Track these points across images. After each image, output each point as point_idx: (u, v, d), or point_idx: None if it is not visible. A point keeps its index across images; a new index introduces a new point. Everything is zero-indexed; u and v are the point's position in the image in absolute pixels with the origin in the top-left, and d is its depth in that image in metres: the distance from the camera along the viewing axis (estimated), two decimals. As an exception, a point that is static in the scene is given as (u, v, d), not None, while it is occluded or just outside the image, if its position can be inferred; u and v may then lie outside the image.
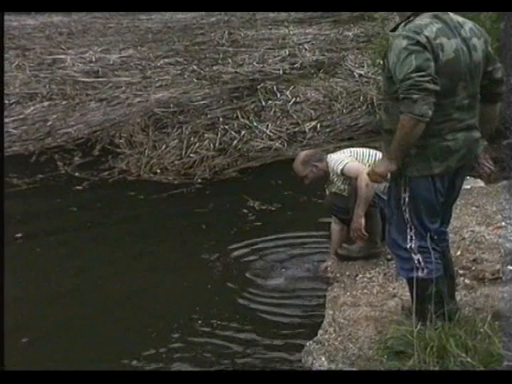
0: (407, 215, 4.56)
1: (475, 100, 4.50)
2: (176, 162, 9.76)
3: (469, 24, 4.47)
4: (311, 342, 4.97)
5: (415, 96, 4.16)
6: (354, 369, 4.45)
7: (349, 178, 6.15)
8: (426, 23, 4.32)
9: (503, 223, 6.51)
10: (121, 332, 5.88)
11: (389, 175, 4.56)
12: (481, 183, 7.55)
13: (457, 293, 5.16)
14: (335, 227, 6.51)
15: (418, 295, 4.62)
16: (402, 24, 4.44)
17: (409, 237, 4.58)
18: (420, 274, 4.58)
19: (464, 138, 4.44)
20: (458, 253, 5.86)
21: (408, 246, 4.59)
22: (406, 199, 4.53)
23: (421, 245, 4.57)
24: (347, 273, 6.03)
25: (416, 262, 4.59)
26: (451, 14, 4.48)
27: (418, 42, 4.23)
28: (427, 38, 4.25)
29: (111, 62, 13.77)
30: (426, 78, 4.16)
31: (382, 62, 4.60)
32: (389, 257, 6.14)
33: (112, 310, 6.22)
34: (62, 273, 6.87)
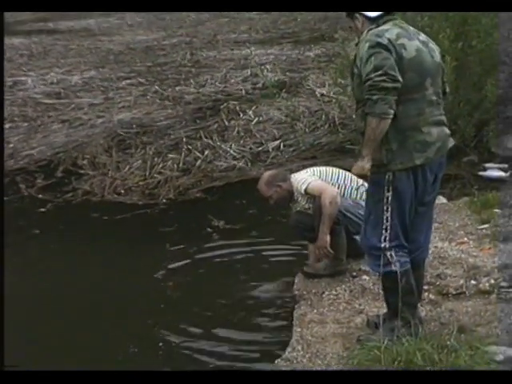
0: (387, 214, 4.68)
1: (441, 98, 4.76)
2: (140, 183, 9.73)
3: (423, 34, 4.81)
4: (279, 359, 4.98)
5: (375, 96, 4.38)
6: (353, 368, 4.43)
7: (313, 197, 6.19)
8: (387, 28, 4.57)
9: (465, 239, 6.59)
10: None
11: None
12: (443, 200, 7.62)
13: (422, 308, 5.22)
14: (311, 246, 6.52)
15: (390, 288, 4.81)
16: (366, 31, 4.61)
17: (383, 237, 4.71)
18: (393, 267, 4.72)
19: (437, 131, 4.66)
20: (423, 268, 5.91)
21: (382, 246, 4.73)
22: (390, 198, 4.65)
23: (395, 244, 4.73)
24: (314, 290, 6.04)
25: (388, 257, 4.73)
26: (405, 24, 4.76)
27: (377, 44, 4.45)
28: (389, 39, 4.48)
29: (73, 84, 13.74)
30: (383, 77, 4.36)
31: (350, 71, 4.73)
32: (354, 274, 6.20)
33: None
34: (26, 295, 6.82)
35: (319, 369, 4.62)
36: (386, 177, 4.64)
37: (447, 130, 4.78)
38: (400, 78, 4.40)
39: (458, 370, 3.90)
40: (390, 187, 4.66)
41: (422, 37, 4.72)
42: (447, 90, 4.95)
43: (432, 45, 4.74)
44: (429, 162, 4.62)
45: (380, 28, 4.58)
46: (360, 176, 4.83)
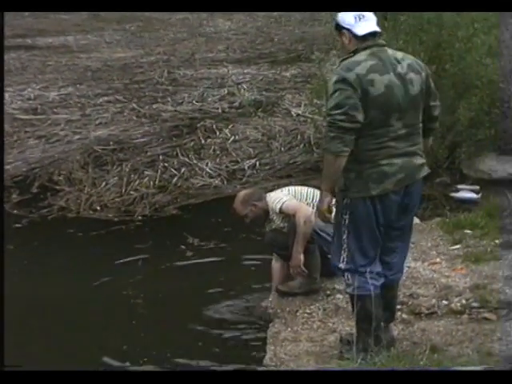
0: (345, 236, 4.79)
1: (416, 129, 4.72)
2: (116, 200, 9.69)
3: (408, 60, 4.69)
4: (253, 377, 4.99)
5: (332, 134, 4.47)
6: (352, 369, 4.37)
7: (288, 216, 6.21)
8: (361, 60, 4.55)
9: (438, 259, 6.63)
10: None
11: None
12: (416, 220, 7.66)
13: (394, 327, 5.24)
14: (276, 264, 6.54)
15: (352, 310, 4.98)
16: (340, 60, 4.64)
17: (341, 258, 4.82)
18: (349, 290, 4.88)
19: (401, 163, 4.63)
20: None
21: (340, 266, 4.87)
22: (347, 221, 4.74)
23: (351, 267, 4.81)
24: (288, 308, 6.06)
25: (346, 278, 4.88)
26: (390, 50, 4.69)
27: (343, 80, 4.47)
28: (357, 75, 4.47)
29: (50, 100, 13.66)
30: (343, 117, 4.40)
31: (326, 93, 4.82)
32: (328, 292, 6.22)
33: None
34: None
35: (318, 369, 4.59)
36: (344, 201, 4.74)
37: (418, 160, 4.75)
38: (360, 119, 4.44)
39: (457, 370, 3.83)
40: (348, 211, 4.76)
41: (403, 66, 4.62)
42: (435, 113, 4.89)
43: (413, 74, 4.63)
44: (387, 192, 4.63)
45: (353, 59, 4.58)
46: (323, 219, 4.93)
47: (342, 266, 4.82)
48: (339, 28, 4.74)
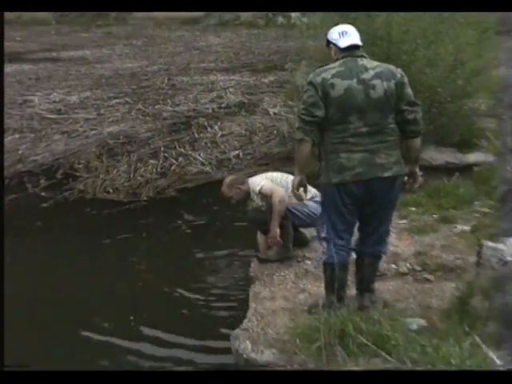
0: (323, 213, 4.77)
1: (381, 129, 4.50)
2: (125, 184, 9.63)
3: (379, 69, 4.52)
4: (238, 329, 4.96)
5: (296, 124, 4.55)
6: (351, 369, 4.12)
7: (265, 197, 6.18)
8: (330, 67, 4.53)
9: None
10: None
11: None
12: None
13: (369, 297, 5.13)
14: (259, 237, 6.52)
15: (323, 275, 4.89)
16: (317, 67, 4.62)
17: (322, 229, 4.79)
18: (324, 258, 4.78)
19: (360, 158, 4.47)
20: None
21: (320, 236, 4.82)
22: (323, 201, 4.78)
23: (326, 237, 4.74)
24: (266, 272, 6.01)
25: (322, 248, 4.81)
26: (363, 60, 4.57)
27: (310, 82, 4.51)
28: (323, 79, 4.46)
29: (71, 102, 13.56)
30: (304, 112, 4.46)
31: None
32: (299, 259, 6.18)
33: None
34: (24, 275, 6.75)
35: (318, 369, 4.27)
36: (319, 185, 4.79)
37: (381, 159, 4.49)
38: (319, 114, 4.43)
39: (457, 370, 3.59)
40: (322, 193, 4.82)
41: (369, 73, 4.48)
42: (408, 117, 4.51)
43: (379, 81, 4.45)
44: (345, 182, 4.52)
45: (325, 67, 4.55)
46: (296, 197, 4.89)
47: (322, 235, 4.78)
48: (328, 43, 4.73)
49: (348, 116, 4.47)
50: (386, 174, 4.50)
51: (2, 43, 8.22)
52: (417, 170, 4.71)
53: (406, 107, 4.49)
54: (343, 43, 4.60)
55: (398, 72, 4.54)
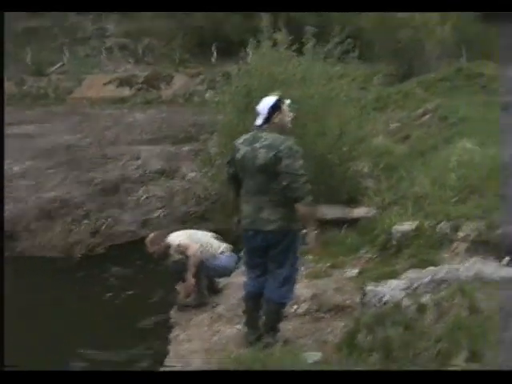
0: None
1: (265, 190, 4.55)
2: (61, 243, 9.41)
3: (269, 141, 4.54)
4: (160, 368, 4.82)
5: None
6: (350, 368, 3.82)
7: (183, 251, 6.12)
8: (246, 135, 4.75)
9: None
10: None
11: None
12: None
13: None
14: (179, 286, 6.41)
15: None
16: None
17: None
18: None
19: (249, 212, 4.64)
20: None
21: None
22: None
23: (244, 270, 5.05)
24: (184, 317, 5.91)
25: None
26: (263, 133, 4.60)
27: (233, 145, 4.84)
28: (236, 144, 4.74)
29: (14, 172, 13.19)
30: (225, 167, 4.95)
31: None
32: (214, 305, 6.10)
33: None
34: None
35: (318, 369, 4.02)
36: None
37: (265, 215, 4.54)
38: (229, 171, 4.83)
39: (457, 370, 3.39)
40: None
41: (260, 143, 4.53)
42: (284, 184, 4.45)
43: (263, 150, 4.49)
44: (245, 228, 4.69)
45: (244, 135, 4.76)
46: None
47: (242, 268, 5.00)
48: None
49: (245, 176, 4.68)
50: (269, 228, 4.57)
51: (2, 44, 7.87)
52: (312, 227, 4.66)
53: (284, 176, 4.48)
54: (256, 122, 4.69)
55: (284, 145, 4.50)
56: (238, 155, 4.64)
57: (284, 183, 4.47)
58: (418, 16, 20.40)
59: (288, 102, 4.77)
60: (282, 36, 9.13)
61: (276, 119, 4.63)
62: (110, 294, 7.48)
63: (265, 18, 9.19)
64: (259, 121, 4.66)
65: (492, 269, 4.37)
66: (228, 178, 4.92)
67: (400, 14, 20.65)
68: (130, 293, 7.43)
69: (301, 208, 4.52)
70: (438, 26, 20.26)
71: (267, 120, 4.63)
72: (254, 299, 4.86)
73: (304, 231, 4.73)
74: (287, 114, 4.72)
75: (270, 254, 4.66)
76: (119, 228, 9.91)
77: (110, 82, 24.61)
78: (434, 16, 20.35)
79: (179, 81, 27.02)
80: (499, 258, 5.06)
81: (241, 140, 4.72)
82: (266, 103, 4.66)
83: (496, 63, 17.25)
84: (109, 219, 10.19)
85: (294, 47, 9.14)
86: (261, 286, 4.80)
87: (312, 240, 4.67)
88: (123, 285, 7.75)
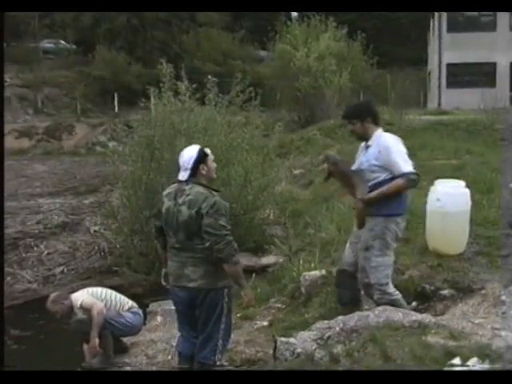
0: None
1: (189, 247, 4.40)
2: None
3: (190, 197, 4.38)
4: None
5: None
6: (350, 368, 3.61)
7: (86, 310, 5.83)
8: (170, 188, 4.57)
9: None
10: None
11: None
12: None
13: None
14: (84, 347, 6.07)
15: None
16: None
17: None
18: None
19: (174, 268, 4.50)
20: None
21: None
22: None
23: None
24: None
25: None
26: (187, 188, 4.41)
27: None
28: (162, 195, 4.61)
29: None
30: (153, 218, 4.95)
31: None
32: (120, 365, 5.80)
33: None
34: None
35: (318, 369, 3.79)
36: None
37: (189, 272, 4.39)
38: (156, 224, 4.70)
39: (457, 370, 3.24)
40: None
41: (183, 199, 4.38)
42: (206, 244, 4.28)
43: (185, 207, 4.35)
44: (171, 284, 4.57)
45: (171, 188, 4.58)
46: None
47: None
48: None
49: (169, 231, 4.52)
50: (191, 285, 4.43)
51: (2, 44, 7.23)
52: (243, 283, 4.52)
53: (204, 235, 4.32)
54: (180, 176, 4.47)
55: (206, 203, 4.33)
56: (163, 209, 4.50)
57: (207, 244, 4.31)
58: (315, 65, 21.04)
59: (209, 151, 4.60)
60: (183, 86, 9.12)
61: (203, 171, 4.46)
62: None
63: (166, 67, 9.16)
64: (184, 175, 4.45)
65: (401, 314, 4.36)
66: (154, 231, 4.79)
67: (298, 62, 21.25)
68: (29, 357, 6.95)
69: (227, 268, 4.36)
70: (335, 73, 20.93)
71: (193, 174, 4.44)
72: (185, 360, 4.68)
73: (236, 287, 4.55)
74: (212, 164, 4.56)
75: (196, 311, 4.50)
76: (19, 287, 9.39)
77: (8, 133, 23.78)
78: (331, 65, 21.05)
79: (81, 131, 26.51)
80: (407, 303, 5.09)
81: (165, 192, 4.57)
82: (188, 156, 4.45)
83: (392, 108, 17.97)
84: (7, 278, 9.63)
85: (196, 96, 9.15)
86: (192, 347, 4.59)
87: (248, 295, 4.55)
88: (20, 348, 7.27)
